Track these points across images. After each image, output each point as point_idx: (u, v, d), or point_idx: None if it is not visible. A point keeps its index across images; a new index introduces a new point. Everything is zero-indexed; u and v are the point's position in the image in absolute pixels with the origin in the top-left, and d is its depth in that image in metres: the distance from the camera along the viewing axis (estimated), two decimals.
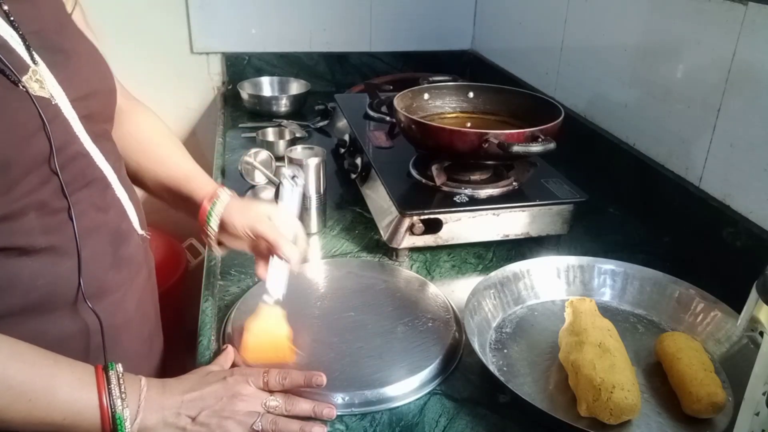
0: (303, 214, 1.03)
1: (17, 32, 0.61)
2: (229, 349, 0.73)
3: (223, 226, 0.79)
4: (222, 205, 0.79)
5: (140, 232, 0.76)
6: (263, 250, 0.79)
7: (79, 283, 0.64)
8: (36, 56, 0.62)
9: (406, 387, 0.71)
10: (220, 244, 0.82)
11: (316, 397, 0.68)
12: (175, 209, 0.85)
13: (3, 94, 0.57)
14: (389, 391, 0.70)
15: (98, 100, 0.70)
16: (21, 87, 0.59)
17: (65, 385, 0.57)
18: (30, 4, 0.64)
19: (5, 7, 0.61)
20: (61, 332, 0.64)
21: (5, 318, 0.60)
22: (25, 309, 0.62)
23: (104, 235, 0.68)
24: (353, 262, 0.96)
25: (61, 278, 0.63)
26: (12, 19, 0.61)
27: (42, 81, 0.61)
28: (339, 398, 0.69)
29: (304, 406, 0.66)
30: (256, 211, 0.79)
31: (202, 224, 0.79)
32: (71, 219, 0.63)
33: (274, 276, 0.77)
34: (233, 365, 0.73)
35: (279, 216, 0.80)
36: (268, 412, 0.65)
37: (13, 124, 0.57)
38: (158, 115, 0.89)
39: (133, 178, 0.82)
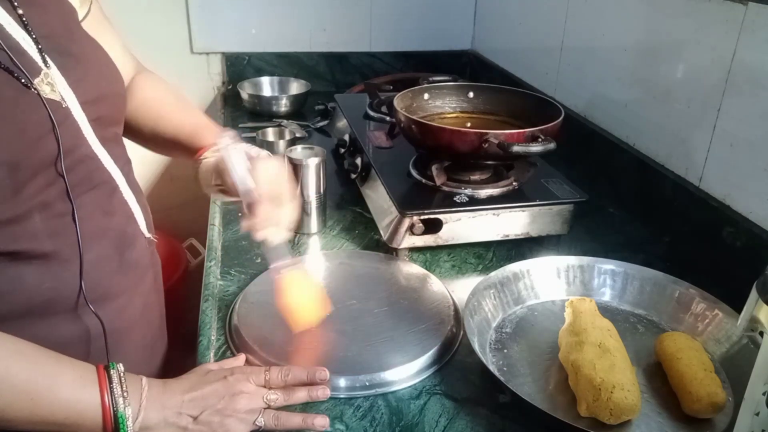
0: (302, 215, 1.03)
1: (30, 35, 0.61)
2: (241, 358, 0.74)
3: (222, 175, 0.77)
4: (210, 160, 0.80)
5: (147, 235, 0.76)
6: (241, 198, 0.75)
7: (81, 287, 0.64)
8: (48, 59, 0.62)
9: (408, 371, 0.73)
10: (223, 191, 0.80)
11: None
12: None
13: (15, 97, 0.58)
14: (390, 375, 0.72)
15: (107, 103, 0.70)
16: (32, 89, 0.59)
17: (67, 383, 0.58)
18: (40, 9, 0.64)
19: (20, 11, 0.61)
20: (63, 336, 0.65)
21: (8, 321, 0.60)
22: (29, 312, 0.62)
23: (110, 239, 0.69)
24: (356, 254, 0.98)
25: (65, 282, 0.63)
26: (26, 22, 0.62)
27: (53, 84, 0.62)
28: (341, 381, 0.70)
29: (299, 394, 0.67)
30: (264, 166, 0.75)
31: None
32: (75, 222, 0.63)
33: (273, 245, 0.76)
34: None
35: (283, 178, 0.76)
36: (269, 406, 0.65)
37: (23, 126, 0.58)
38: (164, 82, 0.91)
39: (151, 142, 0.87)
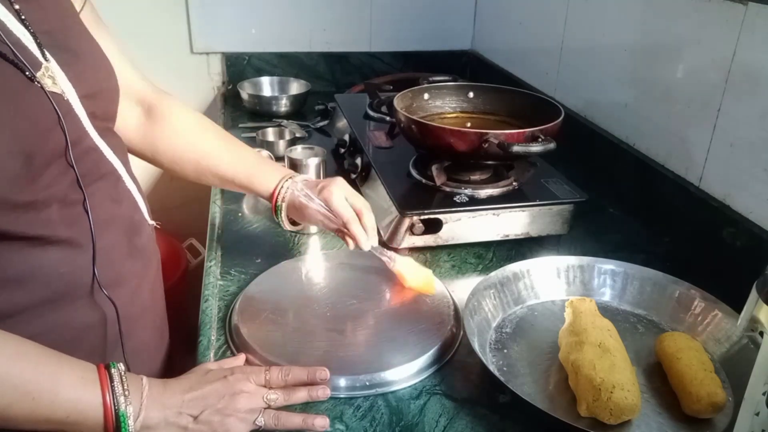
0: None
1: (28, 30, 0.62)
2: (241, 358, 0.74)
3: (298, 210, 0.87)
4: (286, 202, 0.86)
5: (150, 222, 0.78)
6: (334, 226, 0.86)
7: (94, 272, 0.65)
8: (47, 54, 0.63)
9: (408, 371, 0.73)
10: (295, 224, 0.91)
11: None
12: None
13: (21, 90, 0.59)
14: (390, 375, 0.72)
15: (103, 98, 0.71)
16: (36, 83, 0.60)
17: (68, 383, 0.58)
18: (36, 5, 0.65)
19: (16, 6, 0.62)
20: (81, 322, 0.66)
21: (29, 310, 0.61)
22: (48, 299, 0.63)
23: (119, 226, 0.70)
24: (356, 254, 0.97)
25: (81, 268, 0.64)
26: (23, 17, 0.62)
27: (54, 77, 0.63)
28: (341, 381, 0.71)
29: (300, 393, 0.68)
30: (330, 189, 0.85)
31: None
32: (86, 211, 0.64)
33: (374, 246, 0.87)
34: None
35: (350, 194, 0.86)
36: (269, 405, 0.66)
37: (32, 118, 0.59)
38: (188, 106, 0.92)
39: (196, 178, 0.89)
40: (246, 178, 0.88)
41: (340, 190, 0.85)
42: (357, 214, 0.85)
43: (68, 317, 0.64)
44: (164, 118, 0.86)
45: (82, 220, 0.64)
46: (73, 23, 0.71)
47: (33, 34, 0.62)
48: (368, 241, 0.85)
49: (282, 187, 0.86)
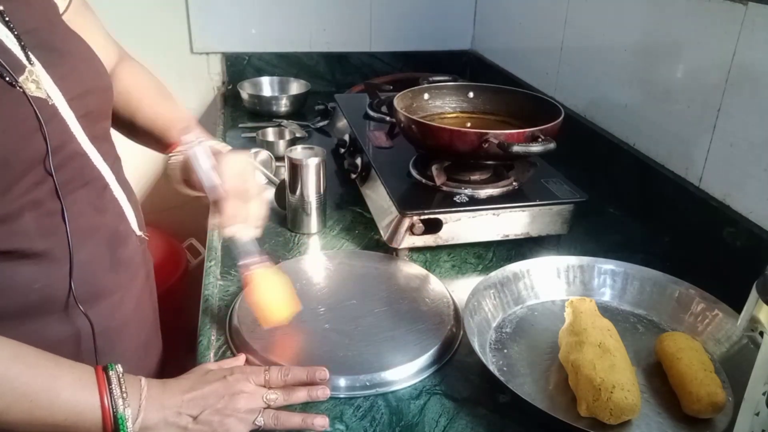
0: (302, 215, 1.03)
1: (12, 32, 0.61)
2: (241, 358, 0.74)
3: (188, 168, 0.77)
4: (178, 157, 0.79)
5: (138, 233, 0.76)
6: (212, 197, 0.74)
7: (70, 286, 0.63)
8: (32, 56, 0.62)
9: (408, 370, 0.73)
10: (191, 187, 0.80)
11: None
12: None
13: (0, 96, 0.57)
14: (390, 375, 0.72)
15: (95, 98, 0.69)
16: (18, 88, 0.59)
17: (66, 385, 0.58)
18: (23, 3, 0.64)
19: (0, 8, 0.61)
20: (55, 336, 0.64)
21: (2, 321, 0.60)
22: (22, 312, 0.62)
23: (102, 237, 0.68)
24: (356, 254, 0.98)
25: (58, 281, 0.63)
26: (7, 19, 0.61)
27: (38, 81, 0.61)
28: (341, 381, 0.71)
29: (299, 393, 0.67)
30: (227, 155, 0.76)
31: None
32: (65, 221, 0.63)
33: (240, 240, 0.74)
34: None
35: (249, 171, 0.76)
36: (268, 405, 0.66)
37: (10, 125, 0.58)
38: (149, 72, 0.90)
39: (127, 130, 0.85)
40: (164, 127, 0.83)
41: (238, 160, 0.74)
42: (242, 192, 0.73)
43: (42, 331, 0.63)
44: (115, 77, 0.83)
45: (59, 231, 0.62)
46: (59, 21, 0.70)
47: (17, 37, 0.61)
48: (241, 228, 0.73)
49: (183, 139, 0.77)
